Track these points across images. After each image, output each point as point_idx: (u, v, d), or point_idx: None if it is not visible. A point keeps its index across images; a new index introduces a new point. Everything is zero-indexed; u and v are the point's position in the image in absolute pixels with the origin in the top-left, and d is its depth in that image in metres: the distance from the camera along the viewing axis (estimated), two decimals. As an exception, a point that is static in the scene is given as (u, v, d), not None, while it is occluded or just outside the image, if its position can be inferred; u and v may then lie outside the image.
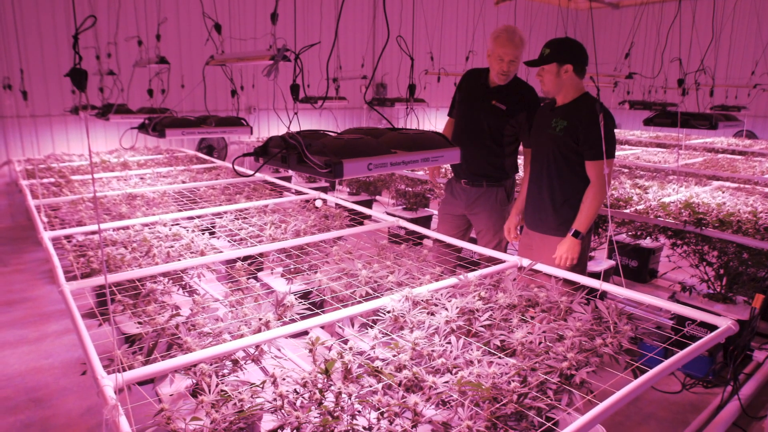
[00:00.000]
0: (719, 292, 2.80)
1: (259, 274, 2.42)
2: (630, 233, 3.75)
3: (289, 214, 2.95)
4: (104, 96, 3.68)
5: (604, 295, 1.97)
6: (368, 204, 5.58)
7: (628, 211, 2.90)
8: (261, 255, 2.38)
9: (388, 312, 1.62)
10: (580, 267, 2.52)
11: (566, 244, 2.46)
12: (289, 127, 1.38)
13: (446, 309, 1.61)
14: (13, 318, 3.78)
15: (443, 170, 4.10)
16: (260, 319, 1.58)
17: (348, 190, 5.72)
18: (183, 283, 2.22)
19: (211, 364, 1.40)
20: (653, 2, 9.86)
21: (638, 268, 3.81)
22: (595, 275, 3.38)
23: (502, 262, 2.20)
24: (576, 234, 2.42)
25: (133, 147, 4.99)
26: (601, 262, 3.54)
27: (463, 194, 3.07)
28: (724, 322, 1.62)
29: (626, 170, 4.40)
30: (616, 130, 9.25)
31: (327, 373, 1.24)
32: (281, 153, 1.39)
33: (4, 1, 5.38)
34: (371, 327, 1.59)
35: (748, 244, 2.54)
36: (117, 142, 5.87)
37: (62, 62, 5.75)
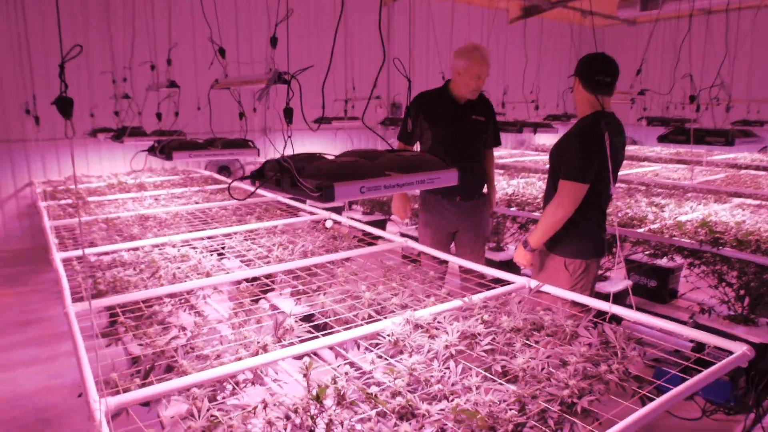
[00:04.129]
0: (740, 314, 2.69)
1: (269, 295, 2.41)
2: (648, 252, 3.66)
3: (298, 235, 2.95)
4: (119, 119, 3.75)
5: (619, 318, 1.91)
6: (382, 223, 5.55)
7: (642, 230, 2.83)
8: (269, 276, 2.37)
9: (387, 336, 1.59)
10: (586, 288, 2.46)
11: (518, 251, 2.56)
12: (283, 151, 1.38)
13: (447, 333, 1.57)
14: (27, 338, 3.83)
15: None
16: (258, 342, 1.57)
17: (362, 209, 5.72)
18: (190, 304, 2.22)
19: (210, 387, 1.38)
20: (669, 18, 9.80)
21: (657, 288, 3.70)
22: (609, 295, 3.31)
23: (510, 283, 2.15)
24: (525, 244, 2.48)
25: (145, 169, 5.08)
26: (617, 282, 3.45)
27: (455, 210, 3.13)
28: (739, 348, 1.55)
29: (643, 188, 4.31)
30: (634, 147, 9.02)
31: (318, 399, 1.22)
32: (275, 177, 1.38)
33: (18, 27, 5.56)
34: (370, 351, 1.56)
35: (764, 263, 2.44)
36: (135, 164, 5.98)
37: (78, 86, 5.91)
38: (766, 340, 2.59)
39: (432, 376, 1.38)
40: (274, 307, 2.25)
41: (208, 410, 1.24)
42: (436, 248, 3.25)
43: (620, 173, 5.58)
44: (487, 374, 1.41)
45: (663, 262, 3.65)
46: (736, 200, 3.76)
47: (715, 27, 9.19)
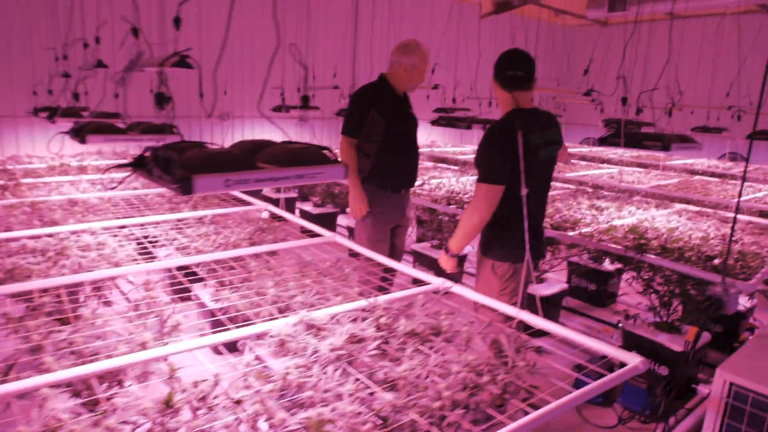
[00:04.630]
0: (665, 321, 2.69)
1: (195, 287, 2.32)
2: (590, 256, 3.66)
3: (228, 226, 2.86)
4: (54, 98, 3.59)
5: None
6: (332, 217, 5.46)
7: (572, 234, 2.80)
8: (184, 267, 2.28)
9: (272, 336, 1.52)
10: (516, 292, 2.42)
11: (441, 256, 2.54)
12: (223, 140, 1.29)
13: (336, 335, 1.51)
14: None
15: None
16: (135, 339, 1.49)
17: (313, 201, 5.63)
18: (100, 294, 2.13)
19: (66, 387, 1.30)
20: (641, 21, 9.84)
21: (596, 291, 3.71)
22: (545, 299, 3.30)
23: (427, 284, 2.10)
24: (447, 249, 2.46)
25: (93, 152, 4.91)
26: (552, 285, 3.43)
27: (400, 203, 3.17)
28: (633, 360, 1.53)
29: (591, 190, 4.30)
30: (597, 148, 9.02)
31: (168, 404, 1.14)
32: (147, 166, 1.30)
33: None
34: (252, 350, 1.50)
35: (681, 271, 2.42)
36: (88, 145, 5.78)
37: (28, 63, 5.68)
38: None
39: (307, 382, 1.32)
40: (197, 299, 2.19)
41: (52, 410, 1.16)
42: (379, 245, 3.22)
43: (575, 175, 5.58)
44: (367, 381, 1.35)
45: (605, 265, 3.66)
46: (678, 206, 3.77)
47: (685, 30, 9.29)
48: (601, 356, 1.58)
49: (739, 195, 2.44)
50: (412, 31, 8.23)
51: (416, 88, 3.13)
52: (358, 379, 1.34)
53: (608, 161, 7.65)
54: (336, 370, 1.37)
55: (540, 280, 3.41)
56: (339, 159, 1.43)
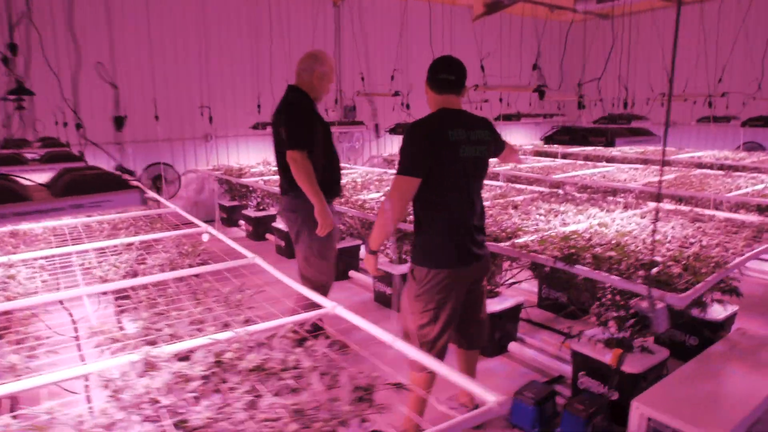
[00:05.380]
0: (613, 338, 2.43)
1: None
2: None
3: (160, 251, 2.78)
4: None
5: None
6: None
7: (503, 245, 2.57)
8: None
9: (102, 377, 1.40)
10: (432, 300, 2.25)
11: (365, 256, 2.45)
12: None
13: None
14: None
15: None
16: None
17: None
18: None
19: None
20: (638, 12, 9.49)
21: (568, 302, 3.46)
22: (497, 315, 3.08)
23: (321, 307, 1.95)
24: (367, 249, 2.40)
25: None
26: (506, 299, 3.20)
27: (332, 212, 3.08)
28: (491, 398, 1.31)
29: (561, 192, 4.01)
30: (604, 149, 8.63)
31: None
32: None
33: None
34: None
35: (611, 283, 2.18)
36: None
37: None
38: (638, 368, 2.35)
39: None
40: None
41: None
42: (331, 258, 3.14)
43: (564, 176, 5.30)
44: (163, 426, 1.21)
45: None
46: (653, 204, 3.47)
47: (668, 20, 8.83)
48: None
49: (660, 183, 2.18)
50: (404, 38, 8.11)
51: (324, 96, 3.14)
52: (161, 427, 1.21)
53: (613, 159, 7.31)
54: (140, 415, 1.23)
55: (494, 294, 3.18)
56: (138, 186, 1.30)
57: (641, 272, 2.02)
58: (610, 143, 2.51)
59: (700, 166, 6.32)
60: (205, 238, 3.17)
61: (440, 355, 2.30)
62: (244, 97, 7.14)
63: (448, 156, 2.17)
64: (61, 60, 4.98)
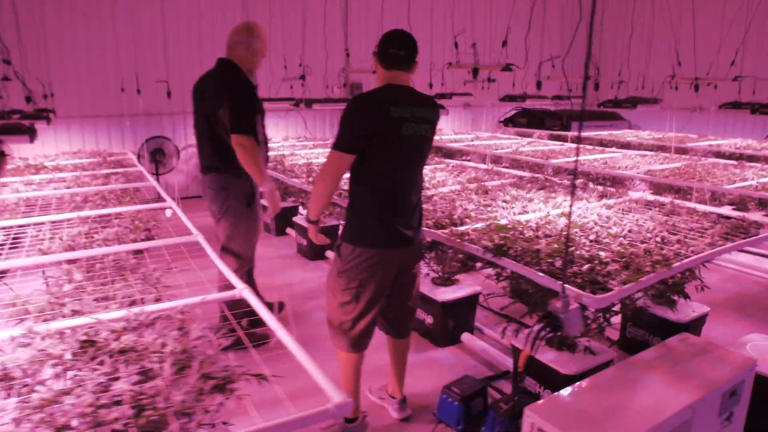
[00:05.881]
0: (558, 336, 2.32)
1: None
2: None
3: (115, 225, 2.81)
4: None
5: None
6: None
7: (440, 231, 2.44)
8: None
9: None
10: (355, 278, 2.21)
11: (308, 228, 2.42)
12: None
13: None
14: None
15: None
16: None
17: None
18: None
19: None
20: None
21: (511, 295, 3.32)
22: (448, 303, 2.98)
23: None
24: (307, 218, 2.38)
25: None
26: (461, 287, 3.10)
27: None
28: (335, 399, 1.22)
29: (540, 178, 3.80)
30: (617, 132, 8.27)
31: None
32: None
33: None
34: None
35: (528, 277, 2.06)
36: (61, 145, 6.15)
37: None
38: (581, 367, 2.24)
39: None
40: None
41: None
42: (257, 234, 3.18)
43: (560, 161, 5.07)
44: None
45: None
46: (635, 194, 3.28)
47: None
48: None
49: (575, 171, 2.04)
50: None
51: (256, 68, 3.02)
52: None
53: (629, 145, 6.99)
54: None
55: (450, 282, 3.08)
56: None
57: (586, 267, 1.91)
58: (566, 127, 2.38)
59: (719, 155, 5.97)
60: (168, 213, 3.18)
61: (362, 339, 2.25)
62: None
63: (388, 133, 2.09)
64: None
